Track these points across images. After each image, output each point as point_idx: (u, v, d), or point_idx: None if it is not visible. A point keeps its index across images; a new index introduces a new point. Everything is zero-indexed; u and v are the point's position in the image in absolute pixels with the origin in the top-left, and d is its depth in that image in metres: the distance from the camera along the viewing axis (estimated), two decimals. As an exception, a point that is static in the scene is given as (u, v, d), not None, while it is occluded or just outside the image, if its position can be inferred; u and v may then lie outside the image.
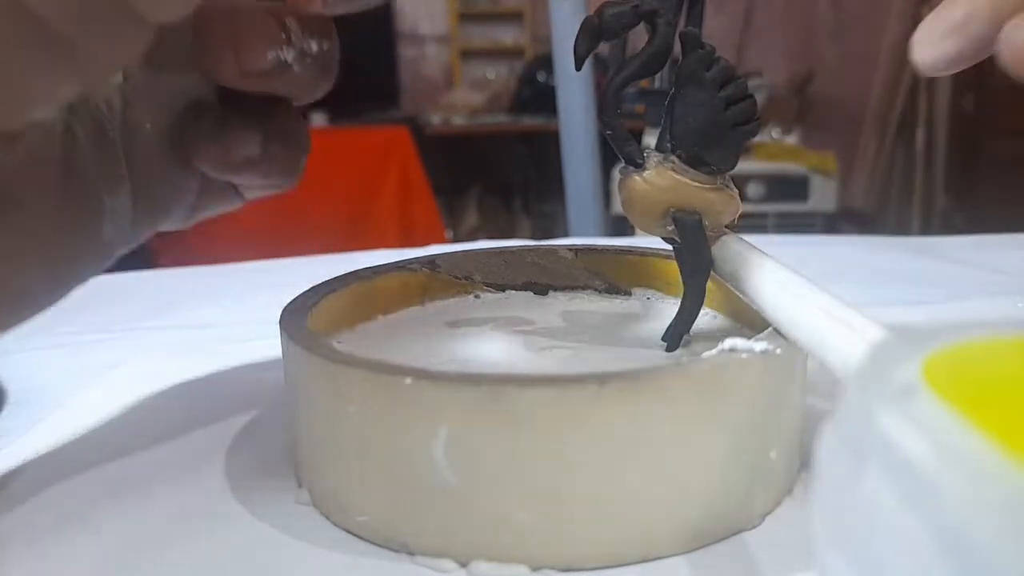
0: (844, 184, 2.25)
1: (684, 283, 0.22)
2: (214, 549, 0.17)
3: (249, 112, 0.19)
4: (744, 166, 1.88)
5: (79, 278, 0.18)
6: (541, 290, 0.28)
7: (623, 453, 0.16)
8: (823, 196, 1.99)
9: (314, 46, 0.18)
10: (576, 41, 0.20)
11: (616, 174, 0.22)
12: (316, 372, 0.17)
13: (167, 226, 0.20)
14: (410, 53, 2.56)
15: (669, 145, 0.20)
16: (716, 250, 0.21)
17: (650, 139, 0.24)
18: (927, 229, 2.28)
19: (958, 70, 0.18)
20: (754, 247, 0.20)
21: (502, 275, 0.28)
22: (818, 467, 0.11)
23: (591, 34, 0.20)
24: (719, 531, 0.17)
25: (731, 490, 0.17)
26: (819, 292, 0.17)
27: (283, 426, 0.21)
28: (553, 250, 0.28)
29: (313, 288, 0.22)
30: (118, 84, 0.18)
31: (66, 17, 0.12)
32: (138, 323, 0.37)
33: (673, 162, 0.20)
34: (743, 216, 0.21)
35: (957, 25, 0.18)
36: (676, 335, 0.22)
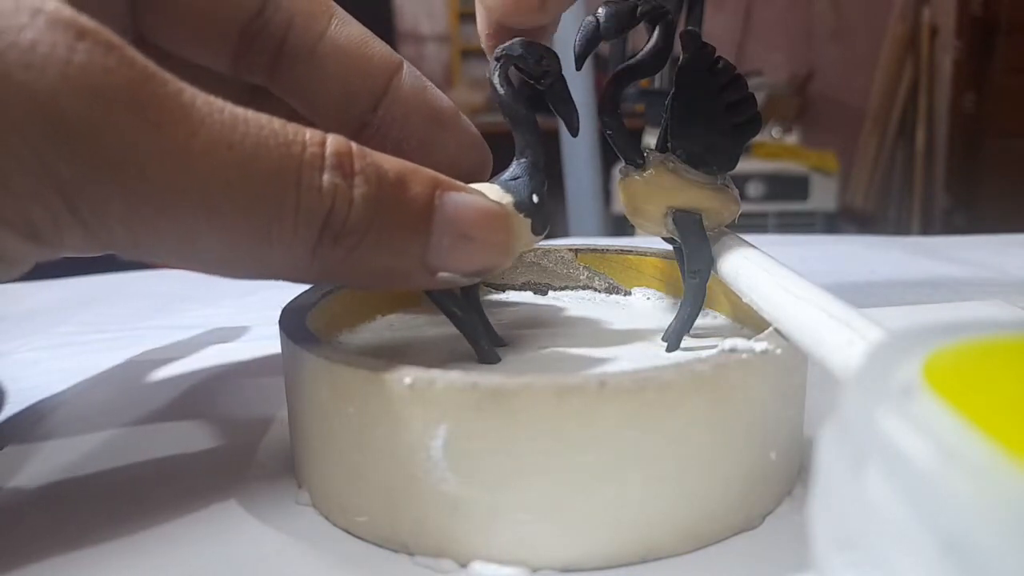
0: (844, 183, 2.25)
1: (684, 283, 0.22)
2: (213, 549, 0.17)
3: None
4: (744, 165, 1.88)
5: None
6: (541, 290, 0.28)
7: (623, 453, 0.16)
8: (823, 195, 1.99)
9: None
10: (576, 41, 0.20)
11: (616, 174, 0.22)
12: (316, 372, 0.17)
13: None
14: (410, 52, 2.56)
15: (669, 145, 0.20)
16: (716, 250, 0.21)
17: (650, 139, 0.24)
18: (927, 229, 2.28)
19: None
20: (754, 247, 0.20)
21: (502, 275, 0.28)
22: (818, 468, 0.11)
23: (591, 34, 0.20)
24: (719, 532, 0.17)
25: (731, 491, 0.17)
26: (819, 292, 0.17)
27: (283, 426, 0.21)
28: (553, 250, 0.28)
29: (313, 288, 0.22)
30: None
31: None
32: (138, 323, 0.37)
33: (673, 162, 0.20)
34: (743, 215, 0.21)
35: None
36: (676, 335, 0.22)
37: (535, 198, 0.20)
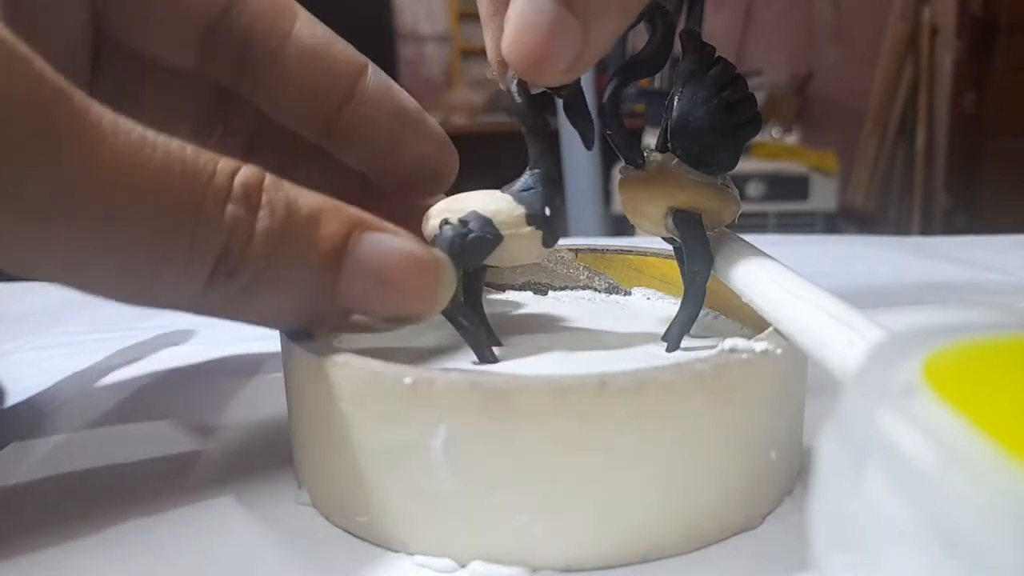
0: (844, 183, 2.25)
1: (684, 283, 0.22)
2: (213, 549, 0.17)
3: None
4: (744, 165, 1.88)
5: None
6: (541, 290, 0.28)
7: (623, 453, 0.16)
8: (823, 195, 2.00)
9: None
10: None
11: (616, 174, 0.22)
12: (316, 372, 0.17)
13: None
14: (410, 53, 2.56)
15: (669, 145, 0.20)
16: (716, 250, 0.21)
17: (650, 139, 0.24)
18: (927, 229, 2.28)
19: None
20: (754, 247, 0.20)
21: (502, 275, 0.28)
22: (818, 467, 0.11)
23: (591, 34, 0.20)
24: (719, 531, 0.17)
25: (731, 490, 0.17)
26: (819, 292, 0.17)
27: (283, 426, 0.21)
28: (553, 250, 0.28)
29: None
30: None
31: None
32: (138, 323, 0.37)
33: (673, 162, 0.20)
34: (743, 215, 0.21)
35: None
36: (677, 335, 0.22)
37: (547, 210, 0.20)
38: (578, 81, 0.20)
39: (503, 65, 0.20)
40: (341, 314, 0.17)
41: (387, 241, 0.17)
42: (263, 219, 0.16)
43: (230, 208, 0.16)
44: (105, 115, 0.15)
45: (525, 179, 0.20)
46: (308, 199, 0.17)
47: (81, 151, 0.14)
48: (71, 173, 0.14)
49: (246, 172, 0.16)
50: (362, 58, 0.23)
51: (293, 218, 0.16)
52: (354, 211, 0.17)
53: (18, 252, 0.15)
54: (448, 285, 0.18)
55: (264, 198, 0.16)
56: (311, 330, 0.18)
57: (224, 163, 0.16)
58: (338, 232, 0.17)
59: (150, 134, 0.15)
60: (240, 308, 0.17)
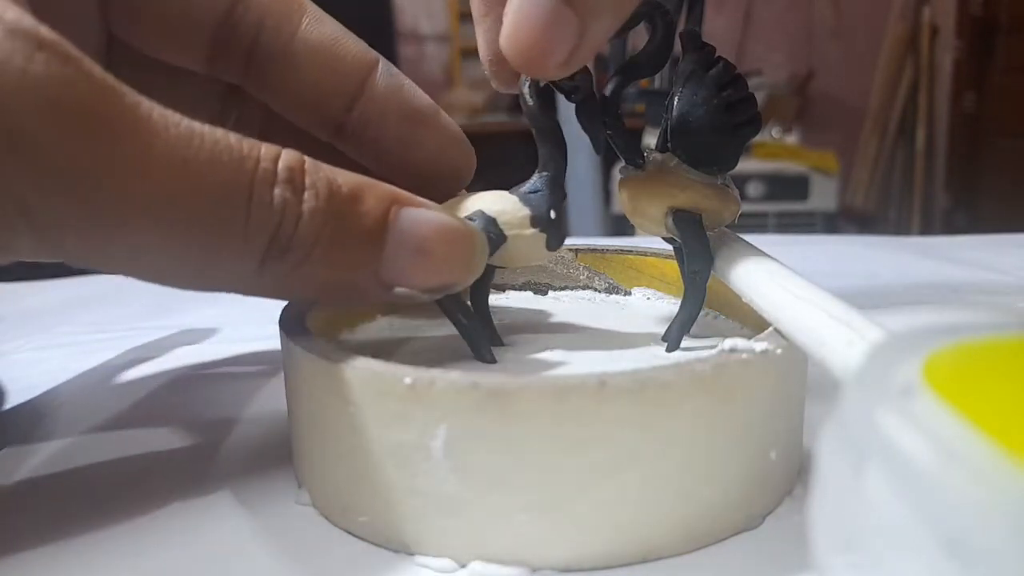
0: (844, 183, 2.25)
1: (684, 283, 0.22)
2: (213, 549, 0.17)
3: None
4: (744, 165, 1.88)
5: None
6: (541, 290, 0.28)
7: (623, 453, 0.16)
8: (823, 195, 1.99)
9: None
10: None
11: (616, 174, 0.22)
12: (316, 372, 0.17)
13: None
14: (410, 52, 2.56)
15: (669, 145, 0.20)
16: (716, 250, 0.21)
17: (650, 139, 0.24)
18: (927, 229, 2.28)
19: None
20: (754, 247, 0.20)
21: (502, 275, 0.28)
22: (818, 468, 0.11)
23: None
24: (719, 531, 0.17)
25: (731, 490, 0.17)
26: (819, 292, 0.17)
27: (283, 426, 0.21)
28: (553, 250, 0.28)
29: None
30: None
31: None
32: (138, 323, 0.37)
33: (673, 162, 0.20)
34: (743, 215, 0.21)
35: None
36: (676, 335, 0.22)
37: (552, 213, 0.20)
38: (591, 85, 0.20)
39: (494, 64, 0.21)
40: (384, 287, 0.18)
41: (424, 214, 0.18)
42: (309, 200, 0.17)
43: (278, 191, 0.16)
44: (155, 109, 0.15)
45: (534, 181, 0.20)
46: (347, 178, 0.17)
47: (138, 148, 0.15)
48: (127, 169, 0.15)
49: (287, 156, 0.17)
50: (372, 54, 0.23)
51: (335, 197, 0.17)
52: (389, 187, 0.18)
53: (85, 249, 0.15)
54: (482, 253, 0.19)
55: (307, 180, 0.17)
56: (355, 304, 0.18)
57: (266, 149, 0.16)
58: (378, 208, 0.17)
59: (196, 125, 0.16)
60: (290, 286, 0.17)
